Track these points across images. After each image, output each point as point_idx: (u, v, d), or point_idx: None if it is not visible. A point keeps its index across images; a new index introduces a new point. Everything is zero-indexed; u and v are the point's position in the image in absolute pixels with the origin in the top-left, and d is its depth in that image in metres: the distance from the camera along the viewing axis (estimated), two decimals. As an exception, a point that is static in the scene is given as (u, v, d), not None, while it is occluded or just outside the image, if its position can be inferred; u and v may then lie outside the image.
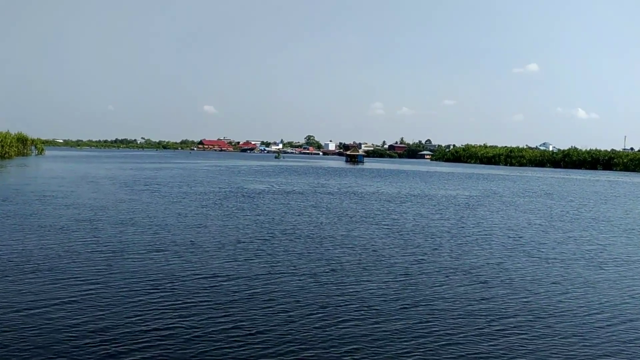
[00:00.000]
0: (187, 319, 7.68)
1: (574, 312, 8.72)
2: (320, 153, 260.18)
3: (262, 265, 11.15)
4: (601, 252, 14.16)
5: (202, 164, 73.31)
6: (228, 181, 37.27)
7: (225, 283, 9.71)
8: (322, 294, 9.24)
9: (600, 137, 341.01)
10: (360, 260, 12.07)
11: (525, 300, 9.26)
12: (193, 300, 8.59)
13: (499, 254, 13.38)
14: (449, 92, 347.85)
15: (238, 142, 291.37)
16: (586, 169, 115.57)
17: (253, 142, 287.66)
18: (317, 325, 7.61)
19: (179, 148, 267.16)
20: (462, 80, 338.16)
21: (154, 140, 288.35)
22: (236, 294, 9.06)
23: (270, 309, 8.26)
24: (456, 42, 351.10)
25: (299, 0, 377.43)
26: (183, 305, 8.26)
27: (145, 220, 17.11)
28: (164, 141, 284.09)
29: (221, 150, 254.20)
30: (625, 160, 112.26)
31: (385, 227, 17.38)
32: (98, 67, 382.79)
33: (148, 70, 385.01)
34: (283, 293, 9.19)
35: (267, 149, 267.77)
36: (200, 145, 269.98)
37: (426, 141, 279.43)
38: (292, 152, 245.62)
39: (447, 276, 10.78)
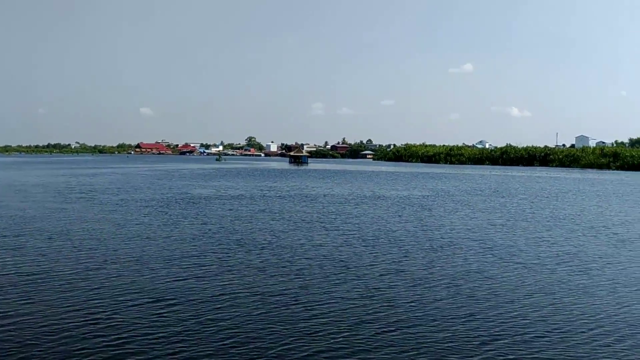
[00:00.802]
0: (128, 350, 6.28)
1: (564, 320, 7.87)
2: (262, 154, 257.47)
3: (215, 284, 9.77)
4: (575, 253, 13.57)
5: (140, 168, 70.12)
6: (170, 186, 35.24)
7: (171, 308, 8.29)
8: (289, 315, 7.99)
9: (534, 134, 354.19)
10: (326, 272, 10.88)
11: (508, 304, 8.37)
12: (134, 331, 7.15)
13: (471, 258, 12.53)
14: (388, 92, 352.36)
15: (177, 145, 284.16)
16: (523, 165, 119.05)
17: (192, 145, 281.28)
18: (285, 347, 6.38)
19: (116, 152, 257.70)
20: (400, 80, 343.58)
21: (89, 144, 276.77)
22: (183, 322, 7.66)
23: (225, 339, 6.95)
24: (393, 42, 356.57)
25: (237, 1, 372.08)
26: (123, 336, 6.83)
27: (79, 232, 15.30)
28: (100, 145, 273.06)
29: (159, 154, 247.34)
30: (560, 157, 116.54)
31: (346, 232, 16.28)
32: (26, 68, 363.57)
33: (81, 72, 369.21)
34: (241, 318, 7.87)
35: (207, 151, 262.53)
36: (137, 149, 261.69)
37: (367, 141, 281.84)
38: (233, 154, 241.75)
39: (421, 285, 9.80)
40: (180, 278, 10.19)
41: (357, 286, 9.83)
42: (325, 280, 10.20)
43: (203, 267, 11.14)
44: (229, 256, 12.35)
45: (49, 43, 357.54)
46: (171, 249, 13.07)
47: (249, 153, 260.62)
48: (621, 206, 26.37)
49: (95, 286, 9.49)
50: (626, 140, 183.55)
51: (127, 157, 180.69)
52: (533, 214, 22.28)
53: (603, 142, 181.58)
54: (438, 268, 11.47)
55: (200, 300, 8.73)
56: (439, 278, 10.56)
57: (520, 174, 68.39)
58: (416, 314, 8.25)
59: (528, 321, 8.02)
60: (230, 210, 21.68)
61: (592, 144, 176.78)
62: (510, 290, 9.75)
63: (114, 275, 10.34)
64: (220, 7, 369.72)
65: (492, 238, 15.67)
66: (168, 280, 10.04)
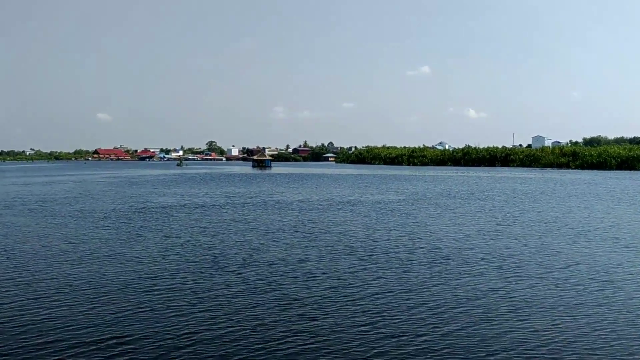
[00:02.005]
0: None
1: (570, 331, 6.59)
2: (224, 159, 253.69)
3: (188, 312, 8.10)
4: (592, 262, 12.42)
5: (99, 175, 66.83)
6: (131, 194, 32.98)
7: (136, 346, 6.62)
8: (272, 340, 6.44)
9: (491, 135, 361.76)
10: (315, 293, 9.32)
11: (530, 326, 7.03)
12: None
13: (475, 271, 11.17)
14: (348, 94, 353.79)
15: (136, 150, 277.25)
16: (485, 165, 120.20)
17: (152, 150, 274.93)
18: None
19: (73, 158, 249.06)
20: (359, 83, 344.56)
21: (44, 151, 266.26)
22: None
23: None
24: (352, 45, 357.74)
25: (197, 4, 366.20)
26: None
27: (23, 252, 13.28)
28: (56, 152, 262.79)
29: (118, 159, 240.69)
30: (521, 157, 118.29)
31: (331, 244, 14.72)
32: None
33: (36, 76, 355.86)
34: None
35: (167, 156, 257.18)
36: (95, 155, 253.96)
37: (329, 144, 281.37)
38: (193, 159, 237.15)
39: (428, 307, 8.35)
40: (146, 308, 8.48)
41: (354, 311, 8.32)
42: (315, 303, 8.65)
43: (172, 292, 9.44)
44: (203, 275, 10.65)
45: (1, 47, 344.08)
46: (135, 270, 11.25)
47: (210, 158, 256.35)
48: (605, 207, 25.71)
49: (39, 323, 7.68)
50: (580, 140, 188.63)
51: (85, 163, 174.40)
52: (519, 217, 21.25)
53: (558, 142, 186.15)
54: (443, 286, 10.07)
55: (170, 338, 7.07)
56: (446, 297, 9.15)
57: (486, 175, 68.36)
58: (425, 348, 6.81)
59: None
60: (200, 220, 19.88)
61: (548, 143, 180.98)
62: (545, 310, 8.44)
63: (64, 307, 8.52)
64: (178, 11, 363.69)
65: (490, 247, 14.41)
66: (131, 310, 8.31)
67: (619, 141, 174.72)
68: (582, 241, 15.42)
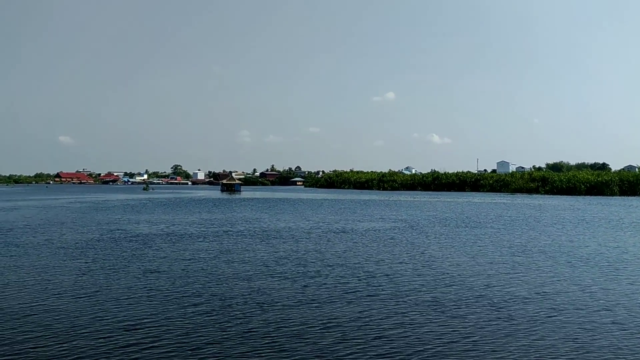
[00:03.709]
0: None
1: None
2: (189, 183, 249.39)
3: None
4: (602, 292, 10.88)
5: (62, 199, 63.12)
6: (99, 221, 30.39)
7: None
8: None
9: (455, 160, 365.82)
10: (315, 344, 7.47)
11: None
12: None
13: (512, 313, 9.50)
14: (314, 119, 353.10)
15: (99, 174, 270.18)
16: (455, 190, 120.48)
17: (115, 174, 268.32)
18: None
19: (33, 182, 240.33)
20: (325, 108, 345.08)
21: (3, 174, 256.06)
22: None
23: None
24: (318, 70, 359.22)
25: (161, 28, 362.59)
26: None
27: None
28: (16, 175, 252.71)
29: (81, 183, 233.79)
30: (491, 182, 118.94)
31: (334, 280, 12.86)
32: None
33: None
34: None
35: (131, 180, 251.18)
36: (57, 179, 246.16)
37: (296, 168, 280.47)
38: (159, 183, 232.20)
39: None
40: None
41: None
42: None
43: (152, 339, 7.46)
44: (190, 320, 8.66)
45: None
46: (107, 310, 9.19)
47: (175, 181, 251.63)
48: (604, 234, 24.60)
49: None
50: (543, 165, 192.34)
51: (47, 187, 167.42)
52: (527, 246, 19.82)
53: (522, 167, 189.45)
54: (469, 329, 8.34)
55: None
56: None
57: (464, 200, 67.67)
58: None
59: None
60: (180, 251, 17.70)
61: (512, 169, 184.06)
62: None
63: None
64: (142, 33, 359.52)
65: (515, 283, 12.80)
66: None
67: (580, 167, 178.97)
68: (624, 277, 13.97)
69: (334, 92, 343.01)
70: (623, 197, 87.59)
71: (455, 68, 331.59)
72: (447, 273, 14.26)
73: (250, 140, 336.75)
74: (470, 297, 11.28)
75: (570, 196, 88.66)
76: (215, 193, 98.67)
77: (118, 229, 25.53)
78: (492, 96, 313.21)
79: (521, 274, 14.19)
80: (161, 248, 18.84)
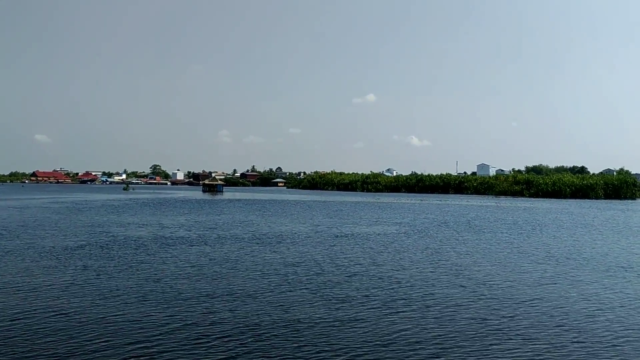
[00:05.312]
0: None
1: None
2: (169, 183, 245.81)
3: None
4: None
5: (39, 199, 60.23)
6: (84, 223, 28.40)
7: None
8: None
9: (435, 163, 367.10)
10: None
11: None
12: None
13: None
14: (294, 120, 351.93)
15: (77, 173, 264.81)
16: (439, 192, 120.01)
17: (94, 173, 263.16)
18: None
19: (8, 181, 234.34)
20: (306, 109, 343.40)
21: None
22: None
23: None
24: (299, 71, 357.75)
25: (140, 28, 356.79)
26: None
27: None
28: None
29: (58, 182, 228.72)
30: (475, 184, 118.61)
31: (341, 294, 11.39)
32: None
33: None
34: None
35: (109, 179, 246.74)
36: (33, 178, 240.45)
37: (277, 169, 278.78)
38: (138, 183, 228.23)
39: None
40: None
41: None
42: None
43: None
44: (189, 335, 7.12)
45: None
46: (91, 325, 7.59)
47: (154, 181, 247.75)
48: (615, 239, 23.55)
49: None
50: (523, 168, 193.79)
51: (22, 186, 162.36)
52: (551, 252, 18.59)
53: (502, 170, 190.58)
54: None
55: None
56: None
57: (453, 202, 66.82)
58: None
59: None
60: (175, 257, 16.04)
61: (492, 172, 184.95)
62: None
63: None
64: (121, 34, 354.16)
65: (565, 295, 11.47)
66: None
67: (560, 170, 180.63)
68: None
69: (315, 93, 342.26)
70: (608, 200, 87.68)
71: (435, 71, 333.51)
72: (490, 285, 12.88)
73: (230, 141, 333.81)
74: (526, 313, 9.88)
75: (555, 199, 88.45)
76: (196, 194, 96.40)
77: (105, 232, 23.64)
78: (471, 99, 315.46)
79: (568, 285, 12.86)
80: (157, 253, 17.11)
